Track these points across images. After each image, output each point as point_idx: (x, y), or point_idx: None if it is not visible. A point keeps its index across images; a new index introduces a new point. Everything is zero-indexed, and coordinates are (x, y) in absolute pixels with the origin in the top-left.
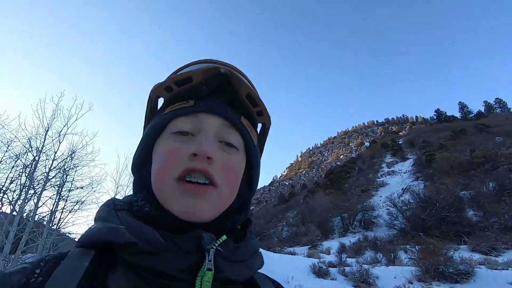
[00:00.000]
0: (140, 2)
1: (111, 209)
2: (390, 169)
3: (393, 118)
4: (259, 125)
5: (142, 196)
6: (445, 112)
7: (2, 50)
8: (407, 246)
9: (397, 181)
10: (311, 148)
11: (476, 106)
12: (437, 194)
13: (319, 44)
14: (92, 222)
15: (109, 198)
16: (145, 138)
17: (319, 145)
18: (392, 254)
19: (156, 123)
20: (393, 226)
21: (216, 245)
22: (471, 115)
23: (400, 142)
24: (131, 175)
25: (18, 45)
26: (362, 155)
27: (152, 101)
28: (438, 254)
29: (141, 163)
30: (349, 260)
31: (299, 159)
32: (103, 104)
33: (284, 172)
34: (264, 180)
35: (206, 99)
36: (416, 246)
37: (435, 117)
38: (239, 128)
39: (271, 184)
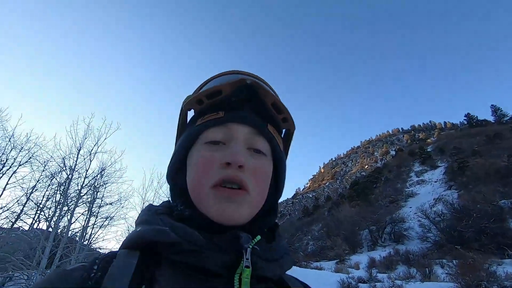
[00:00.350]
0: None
1: (153, 213)
2: (420, 178)
3: (419, 125)
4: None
5: (181, 201)
6: (476, 116)
7: (41, 77)
8: (443, 260)
9: (428, 191)
10: (333, 159)
11: (510, 108)
12: (474, 204)
13: (337, 49)
14: (121, 238)
15: (137, 212)
16: (179, 148)
17: (342, 156)
18: (427, 269)
19: (188, 134)
20: (427, 239)
21: (253, 244)
22: (505, 118)
23: (428, 150)
24: (167, 183)
25: (57, 71)
26: (388, 165)
27: (183, 114)
28: (479, 268)
29: (176, 172)
30: (380, 276)
31: (322, 170)
32: (130, 122)
33: (307, 184)
34: (287, 193)
35: (234, 110)
36: (454, 260)
37: (465, 122)
38: (266, 135)
39: (294, 196)
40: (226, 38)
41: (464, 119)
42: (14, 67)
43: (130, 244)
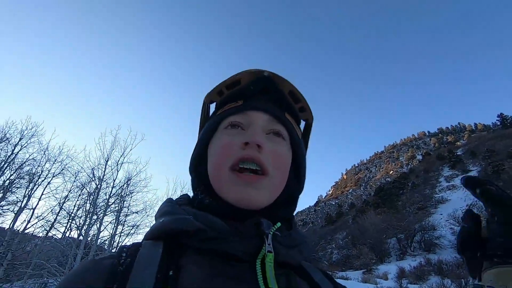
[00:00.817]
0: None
1: (174, 204)
2: (450, 183)
3: (447, 128)
4: (303, 123)
5: (201, 190)
6: (510, 116)
7: (72, 91)
8: None
9: (460, 197)
10: (356, 165)
11: None
12: None
13: (358, 52)
14: None
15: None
16: (200, 139)
17: (365, 161)
18: (463, 280)
19: (209, 124)
20: None
21: (273, 230)
22: None
23: (458, 153)
24: (190, 175)
25: (86, 85)
26: (415, 170)
27: (206, 107)
28: None
29: (198, 163)
30: (411, 287)
31: (345, 176)
32: (153, 131)
33: (330, 191)
34: (309, 200)
35: (253, 99)
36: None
37: (498, 123)
38: (283, 122)
39: (316, 204)
40: (250, 48)
41: (497, 120)
42: (48, 81)
43: (154, 235)
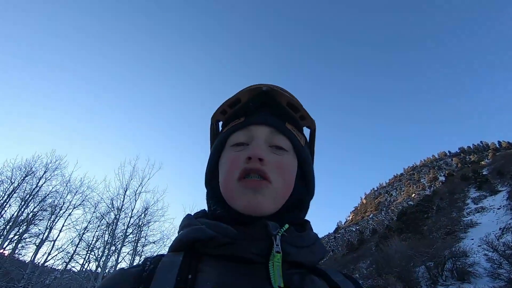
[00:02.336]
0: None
1: (191, 217)
2: (478, 205)
3: (469, 147)
4: (307, 130)
5: (214, 201)
6: None
7: (94, 122)
8: None
9: (491, 219)
10: (375, 189)
11: None
12: None
13: (372, 70)
14: None
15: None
16: (211, 155)
17: (384, 185)
18: None
19: (217, 141)
20: (498, 276)
21: (282, 231)
22: None
23: (484, 173)
24: (205, 189)
25: (109, 118)
26: (439, 192)
27: (213, 126)
28: None
29: (211, 177)
30: None
31: (364, 201)
32: (171, 159)
33: (349, 216)
34: (328, 227)
35: (254, 114)
36: None
37: None
38: (285, 132)
39: (336, 231)
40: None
41: None
42: (72, 113)
43: (174, 247)
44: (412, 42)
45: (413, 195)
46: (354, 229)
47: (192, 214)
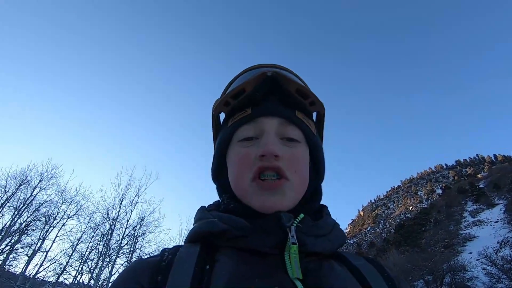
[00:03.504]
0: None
1: (203, 210)
2: (476, 219)
3: (465, 160)
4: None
5: (226, 196)
6: None
7: (92, 130)
8: None
9: (489, 233)
10: (373, 201)
11: None
12: None
13: (369, 82)
14: None
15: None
16: (217, 151)
17: (382, 197)
18: None
19: (223, 136)
20: None
21: (296, 222)
22: None
23: (481, 186)
24: (213, 181)
25: (111, 127)
26: (436, 204)
27: (215, 118)
28: None
29: (218, 172)
30: None
31: (361, 213)
32: (167, 168)
33: (347, 229)
34: None
35: (261, 104)
36: None
37: None
38: (296, 122)
39: None
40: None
41: None
42: (69, 121)
43: (190, 238)
44: (411, 54)
45: (411, 207)
46: (351, 242)
47: (206, 206)
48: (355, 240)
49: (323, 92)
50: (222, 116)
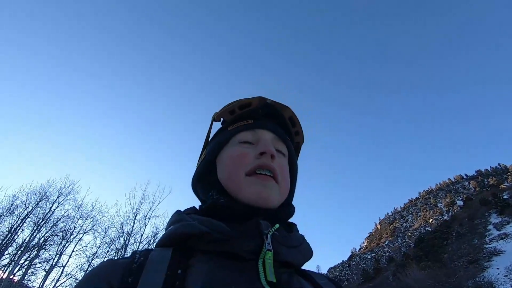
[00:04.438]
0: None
1: (181, 213)
2: (502, 232)
3: (486, 170)
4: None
5: (215, 191)
6: None
7: (108, 146)
8: None
9: None
10: (390, 213)
11: None
12: None
13: (382, 90)
14: None
15: None
16: (210, 151)
17: (399, 209)
18: None
19: (220, 139)
20: None
21: (273, 230)
22: None
23: (505, 197)
24: (193, 187)
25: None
26: (458, 217)
27: (212, 124)
28: None
29: (207, 172)
30: None
31: (378, 227)
32: (180, 182)
33: (363, 243)
34: (341, 255)
35: (261, 120)
36: None
37: None
38: (285, 140)
39: (350, 258)
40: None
41: None
42: (87, 138)
43: (164, 242)
44: (427, 59)
45: (430, 220)
46: (369, 257)
47: (182, 210)
48: (372, 254)
49: (343, 93)
50: (216, 127)
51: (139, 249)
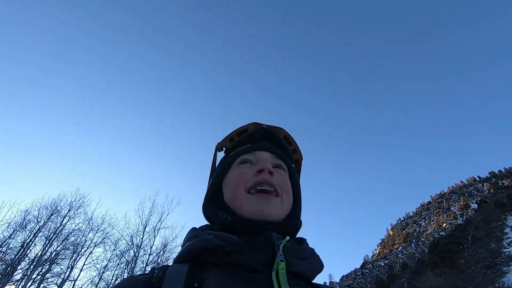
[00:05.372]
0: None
1: (196, 230)
2: None
3: (500, 171)
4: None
5: (223, 212)
6: None
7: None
8: None
9: None
10: (402, 219)
11: None
12: None
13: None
14: None
15: None
16: (216, 176)
17: (411, 214)
18: None
19: (223, 165)
20: None
21: (284, 242)
22: None
23: None
24: (204, 211)
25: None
26: (473, 220)
27: (216, 153)
28: None
29: (214, 195)
30: None
31: (391, 233)
32: (189, 193)
33: (376, 250)
34: (354, 262)
35: (258, 142)
36: None
37: None
38: (283, 158)
39: (363, 266)
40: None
41: None
42: (97, 152)
43: (181, 257)
44: (443, 64)
45: (444, 224)
46: (382, 264)
47: (198, 227)
48: (386, 261)
49: (353, 104)
50: (220, 156)
51: (157, 266)
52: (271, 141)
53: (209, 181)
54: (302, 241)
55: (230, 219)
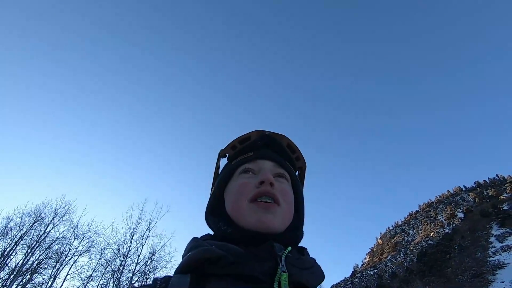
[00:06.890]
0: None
1: (198, 240)
2: (504, 244)
3: (485, 181)
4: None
5: (224, 222)
6: None
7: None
8: None
9: None
10: (391, 227)
11: None
12: None
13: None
14: None
15: None
16: (218, 185)
17: (400, 223)
18: None
19: (225, 171)
20: None
21: (286, 252)
22: None
23: (505, 208)
24: (206, 219)
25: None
26: (459, 229)
27: (219, 160)
28: None
29: (215, 205)
30: None
31: (380, 241)
32: (179, 200)
33: (365, 259)
34: (343, 271)
35: (260, 151)
36: None
37: None
38: (285, 166)
39: (352, 275)
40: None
41: None
42: (83, 157)
43: (182, 268)
44: (424, 75)
45: (432, 233)
46: (372, 273)
47: (199, 237)
48: (375, 270)
49: (341, 105)
50: (223, 163)
51: (159, 277)
52: (274, 149)
53: (212, 188)
54: (303, 250)
55: (230, 231)
